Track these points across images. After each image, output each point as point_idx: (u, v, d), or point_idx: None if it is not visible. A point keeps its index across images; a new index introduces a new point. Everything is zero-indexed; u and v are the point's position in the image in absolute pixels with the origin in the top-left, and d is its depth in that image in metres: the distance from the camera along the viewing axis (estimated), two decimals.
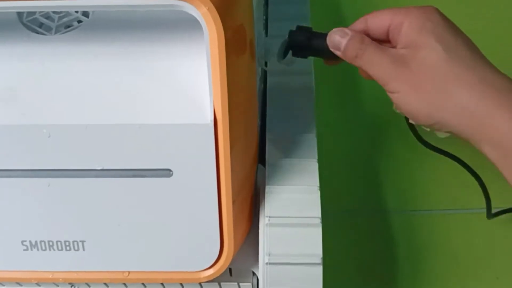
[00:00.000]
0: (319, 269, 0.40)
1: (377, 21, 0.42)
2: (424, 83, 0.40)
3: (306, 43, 0.46)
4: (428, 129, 0.44)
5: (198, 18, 0.36)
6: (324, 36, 0.45)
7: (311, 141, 0.46)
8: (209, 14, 0.35)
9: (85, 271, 0.43)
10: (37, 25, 0.43)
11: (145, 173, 0.39)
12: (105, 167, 0.39)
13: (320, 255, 0.40)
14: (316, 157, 0.44)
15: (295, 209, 0.41)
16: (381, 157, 0.62)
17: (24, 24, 0.42)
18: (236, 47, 0.38)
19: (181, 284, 0.47)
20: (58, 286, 0.48)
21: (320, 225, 0.41)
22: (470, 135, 0.40)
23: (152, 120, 0.38)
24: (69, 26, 0.43)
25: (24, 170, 0.39)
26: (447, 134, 0.43)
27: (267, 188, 0.43)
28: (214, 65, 0.36)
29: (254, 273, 0.47)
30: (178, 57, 0.40)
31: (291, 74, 0.50)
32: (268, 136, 0.46)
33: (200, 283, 0.46)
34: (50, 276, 0.44)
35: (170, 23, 0.40)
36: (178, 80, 0.39)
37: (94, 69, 0.40)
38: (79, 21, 0.43)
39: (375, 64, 0.41)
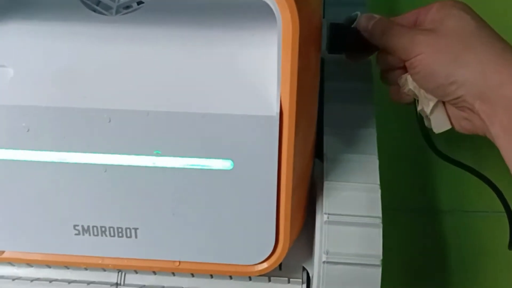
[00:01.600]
0: (378, 271, 0.39)
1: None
2: (450, 43, 0.42)
3: (340, 40, 0.46)
4: (430, 116, 0.44)
5: (271, 5, 0.34)
6: (353, 31, 0.46)
7: (370, 136, 0.44)
8: (284, 0, 0.34)
9: (136, 259, 0.43)
10: (95, 3, 0.42)
11: (205, 163, 0.39)
12: (164, 155, 0.39)
13: (380, 256, 0.39)
14: (376, 153, 0.43)
15: (355, 208, 0.40)
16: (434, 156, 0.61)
17: (83, 2, 0.41)
18: (307, 36, 0.36)
19: (230, 276, 0.47)
20: (105, 271, 0.48)
21: (381, 225, 0.40)
22: (480, 102, 0.41)
23: (216, 109, 0.37)
24: (128, 7, 0.42)
25: (82, 154, 0.39)
26: (445, 127, 0.44)
27: (326, 184, 0.41)
28: (285, 54, 0.35)
29: (304, 269, 0.47)
30: (244, 45, 0.38)
31: (349, 66, 0.49)
32: (326, 130, 0.45)
33: (250, 277, 0.46)
34: (100, 262, 0.43)
35: (237, 9, 0.38)
36: (243, 69, 0.38)
37: (156, 53, 0.39)
38: (139, 2, 0.42)
39: (401, 36, 0.43)
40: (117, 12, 0.40)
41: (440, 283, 0.55)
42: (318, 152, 0.46)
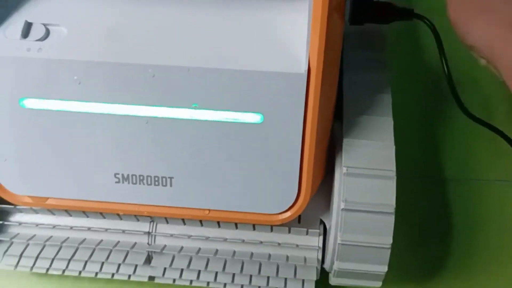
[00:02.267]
0: (392, 218, 0.43)
1: None
2: None
3: (361, 12, 0.50)
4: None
5: None
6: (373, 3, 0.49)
7: (386, 100, 0.48)
8: None
9: (170, 206, 0.47)
10: None
11: (238, 116, 0.43)
12: (201, 108, 0.42)
13: (393, 205, 0.43)
14: (391, 115, 0.47)
15: (371, 162, 0.44)
16: (439, 125, 0.65)
17: None
18: (335, 1, 0.40)
19: (253, 227, 0.50)
20: (138, 220, 0.51)
21: (395, 178, 0.44)
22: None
23: (250, 67, 0.41)
24: None
25: (127, 106, 0.43)
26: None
27: (345, 141, 0.45)
28: (315, 16, 0.38)
29: (321, 222, 0.51)
30: (276, 11, 0.42)
31: (366, 36, 0.53)
32: (345, 94, 0.49)
33: (272, 227, 0.50)
34: (136, 209, 0.47)
35: None
36: (275, 32, 0.42)
37: (197, 17, 0.43)
38: None
39: None
40: None
41: (446, 247, 0.59)
42: (337, 114, 0.50)
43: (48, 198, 0.47)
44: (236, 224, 0.50)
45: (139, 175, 0.46)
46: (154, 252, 0.50)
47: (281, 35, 0.42)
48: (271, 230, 0.50)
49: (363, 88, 0.49)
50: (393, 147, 0.45)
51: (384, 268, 0.44)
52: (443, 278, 0.56)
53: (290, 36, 0.42)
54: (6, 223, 0.51)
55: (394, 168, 0.44)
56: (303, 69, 0.40)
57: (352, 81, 0.49)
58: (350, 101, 0.48)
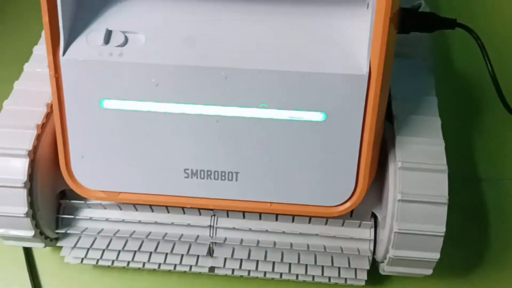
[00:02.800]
0: (445, 208, 0.47)
1: None
2: None
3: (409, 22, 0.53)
4: None
5: None
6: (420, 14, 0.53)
7: (432, 102, 0.52)
8: None
9: (234, 200, 0.50)
10: None
11: (302, 115, 0.46)
12: (269, 108, 0.46)
13: (446, 196, 0.47)
14: (438, 114, 0.51)
15: (424, 157, 0.48)
16: (471, 127, 0.68)
17: None
18: (394, 8, 0.43)
19: (309, 220, 0.54)
20: (200, 214, 0.55)
21: (447, 170, 0.47)
22: None
23: (315, 69, 0.44)
24: None
25: (200, 106, 0.46)
26: None
27: (398, 138, 0.49)
28: (378, 24, 0.42)
29: (372, 215, 0.54)
30: (338, 18, 0.46)
31: (410, 44, 0.56)
32: (394, 96, 0.52)
33: (327, 220, 0.53)
34: (203, 203, 0.50)
35: None
36: (336, 36, 0.45)
37: (264, 21, 0.46)
38: None
39: None
40: None
41: (484, 244, 0.62)
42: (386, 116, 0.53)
43: (120, 192, 0.51)
44: (293, 218, 0.53)
45: (207, 170, 0.49)
46: (216, 243, 0.54)
47: (342, 39, 0.46)
48: (326, 223, 0.53)
49: (410, 91, 0.53)
50: (443, 143, 0.49)
51: (437, 255, 0.48)
52: (484, 271, 0.59)
53: (351, 40, 0.45)
54: (77, 217, 0.55)
55: (445, 162, 0.48)
56: (365, 71, 0.44)
57: (399, 85, 0.52)
58: (399, 103, 0.51)
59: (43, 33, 0.63)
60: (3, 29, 0.81)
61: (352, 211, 0.53)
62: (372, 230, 0.53)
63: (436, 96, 0.53)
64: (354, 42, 0.45)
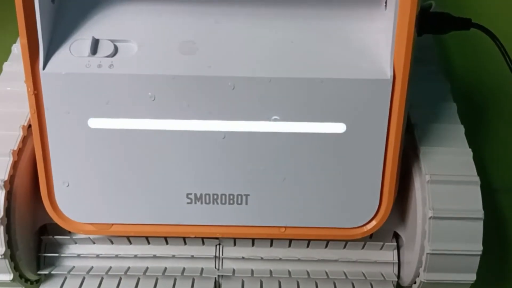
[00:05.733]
0: (481, 224, 0.42)
1: None
2: None
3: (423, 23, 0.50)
4: None
5: None
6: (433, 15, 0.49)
7: (451, 108, 0.48)
8: None
9: (244, 226, 0.44)
10: None
11: (321, 127, 0.41)
12: (283, 120, 0.41)
13: (482, 210, 0.42)
14: (460, 122, 0.47)
15: (453, 168, 0.43)
16: (483, 138, 0.65)
17: None
18: (416, 7, 0.39)
19: (326, 245, 0.48)
20: (203, 244, 0.49)
21: (479, 183, 0.43)
22: None
23: (334, 74, 0.40)
24: None
25: (204, 121, 0.41)
26: None
27: (422, 149, 0.44)
28: (402, 22, 0.38)
29: (394, 235, 0.49)
30: (355, 21, 0.41)
31: (421, 51, 0.53)
32: (412, 104, 0.48)
33: (345, 244, 0.48)
34: (209, 231, 0.45)
35: None
36: (355, 40, 0.41)
37: (272, 27, 0.41)
38: None
39: None
40: None
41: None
42: None
43: (112, 224, 0.45)
44: (308, 243, 0.48)
45: (213, 194, 0.44)
46: (223, 276, 0.48)
47: (361, 42, 0.41)
48: (344, 247, 0.48)
49: (426, 97, 0.48)
50: (471, 153, 0.45)
51: (473, 277, 0.43)
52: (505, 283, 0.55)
53: (371, 43, 0.41)
54: (62, 255, 0.48)
55: (476, 173, 0.43)
56: (389, 75, 0.40)
57: (415, 93, 0.48)
58: (417, 112, 0.47)
59: (14, 47, 0.57)
60: None
61: (372, 233, 0.49)
62: (396, 252, 0.48)
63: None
64: (374, 45, 0.41)
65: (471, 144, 0.59)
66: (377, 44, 0.41)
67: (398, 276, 0.48)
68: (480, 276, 0.53)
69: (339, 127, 0.41)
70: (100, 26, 0.41)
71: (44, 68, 0.40)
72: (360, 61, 0.40)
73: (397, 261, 0.47)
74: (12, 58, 0.54)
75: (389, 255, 0.48)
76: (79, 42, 0.40)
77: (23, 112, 0.47)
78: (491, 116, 0.67)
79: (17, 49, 0.54)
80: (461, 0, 0.74)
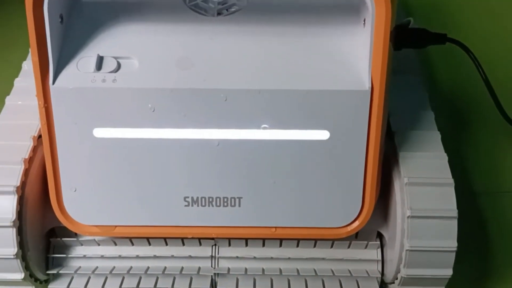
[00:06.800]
0: (455, 222, 0.46)
1: None
2: None
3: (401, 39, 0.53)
4: None
5: (368, 1, 0.41)
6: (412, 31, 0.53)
7: (429, 116, 0.52)
8: None
9: (237, 227, 0.48)
10: (199, 8, 0.47)
11: (306, 134, 0.45)
12: (271, 129, 0.44)
13: (456, 210, 0.46)
14: (437, 129, 0.50)
15: (429, 171, 0.47)
16: (467, 143, 0.69)
17: (189, 7, 0.47)
18: (391, 22, 0.43)
19: (314, 245, 0.52)
20: (200, 245, 0.52)
21: (454, 184, 0.46)
22: None
23: (317, 86, 0.43)
24: (227, 10, 0.47)
25: (199, 130, 0.44)
26: None
27: (401, 154, 0.48)
28: (377, 38, 0.42)
29: (377, 235, 0.52)
30: (336, 36, 0.45)
31: (400, 62, 0.56)
32: (391, 112, 0.51)
33: (332, 243, 0.51)
34: (204, 231, 0.48)
35: (323, 9, 0.46)
36: (335, 54, 0.45)
37: (261, 43, 0.45)
38: (235, 6, 0.48)
39: None
40: (217, 14, 0.47)
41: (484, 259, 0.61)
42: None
43: (116, 226, 0.48)
44: (298, 243, 0.52)
45: (209, 197, 0.47)
46: (219, 274, 0.51)
47: (342, 57, 0.45)
48: (331, 247, 0.52)
49: (406, 106, 0.52)
50: (446, 157, 0.48)
51: (449, 272, 0.47)
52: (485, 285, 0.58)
53: (350, 57, 0.45)
54: (69, 256, 0.51)
55: (451, 175, 0.47)
56: (367, 86, 0.44)
57: (394, 103, 0.51)
58: (396, 119, 0.51)
59: (24, 64, 0.61)
60: None
61: (357, 232, 0.51)
62: (379, 250, 0.51)
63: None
64: (354, 59, 0.45)
65: (453, 151, 0.63)
66: (356, 58, 0.45)
67: (382, 273, 0.51)
68: (462, 273, 0.57)
69: (323, 134, 0.45)
70: (104, 44, 0.46)
71: (53, 83, 0.44)
72: (341, 74, 0.44)
73: (380, 259, 0.51)
74: (23, 74, 0.58)
75: (373, 253, 0.51)
76: (85, 59, 0.45)
77: (33, 123, 0.51)
78: (471, 123, 0.71)
79: (27, 65, 0.59)
80: (440, 16, 0.78)
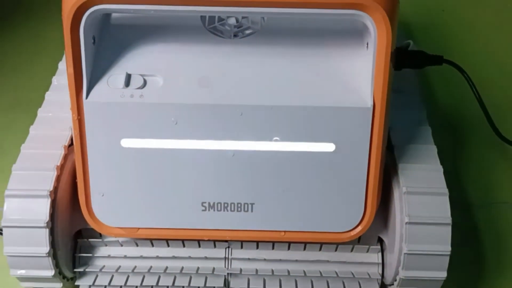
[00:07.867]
0: (449, 229, 0.50)
1: None
2: None
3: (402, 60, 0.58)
4: None
5: (370, 24, 0.45)
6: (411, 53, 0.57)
7: (426, 131, 0.56)
8: (382, 21, 0.44)
9: (249, 230, 0.52)
10: (217, 30, 0.52)
11: (313, 147, 0.49)
12: (282, 141, 0.49)
13: (450, 217, 0.50)
14: (433, 143, 0.55)
15: (426, 182, 0.51)
16: (461, 157, 0.73)
17: (208, 30, 0.52)
18: (392, 45, 0.47)
19: (320, 248, 0.56)
20: (215, 247, 0.56)
21: (448, 193, 0.51)
22: None
23: (325, 103, 0.48)
24: (242, 32, 0.52)
25: (217, 141, 0.49)
26: None
27: (401, 166, 0.52)
28: (379, 60, 0.46)
29: (378, 240, 0.56)
30: (341, 57, 0.50)
31: (400, 82, 0.61)
32: (391, 128, 0.56)
33: (336, 247, 0.55)
34: (219, 234, 0.52)
35: (330, 33, 0.51)
36: (341, 74, 0.50)
37: (271, 64, 0.50)
38: (249, 29, 0.53)
39: None
40: (234, 36, 0.52)
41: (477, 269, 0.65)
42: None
43: (139, 228, 0.53)
44: (305, 246, 0.56)
45: (224, 203, 0.52)
46: (232, 274, 0.55)
47: (347, 76, 0.50)
48: (336, 250, 0.56)
49: (406, 122, 0.57)
50: (441, 169, 0.53)
51: (444, 274, 0.51)
52: None
53: (355, 77, 0.49)
54: (94, 255, 0.55)
55: (445, 186, 0.51)
56: (369, 104, 0.48)
57: (394, 119, 0.56)
58: (396, 134, 0.55)
59: (54, 79, 0.66)
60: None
61: (360, 237, 0.56)
62: (380, 254, 0.56)
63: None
64: (358, 79, 0.49)
65: (450, 165, 0.67)
66: (360, 78, 0.49)
67: (382, 275, 0.56)
68: (457, 277, 0.61)
69: (329, 147, 0.49)
70: (132, 63, 0.51)
71: (87, 97, 0.48)
72: (346, 92, 0.49)
73: (381, 262, 0.55)
74: (53, 88, 0.63)
75: (374, 257, 0.55)
76: (115, 76, 0.50)
77: (63, 134, 0.56)
78: (465, 138, 0.75)
79: (57, 81, 0.64)
80: (440, 40, 0.82)
